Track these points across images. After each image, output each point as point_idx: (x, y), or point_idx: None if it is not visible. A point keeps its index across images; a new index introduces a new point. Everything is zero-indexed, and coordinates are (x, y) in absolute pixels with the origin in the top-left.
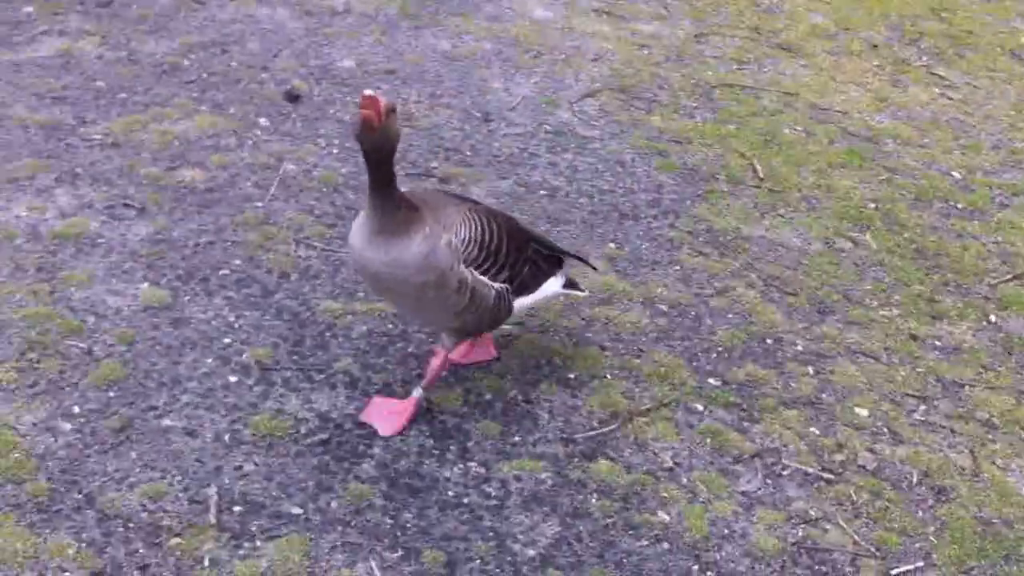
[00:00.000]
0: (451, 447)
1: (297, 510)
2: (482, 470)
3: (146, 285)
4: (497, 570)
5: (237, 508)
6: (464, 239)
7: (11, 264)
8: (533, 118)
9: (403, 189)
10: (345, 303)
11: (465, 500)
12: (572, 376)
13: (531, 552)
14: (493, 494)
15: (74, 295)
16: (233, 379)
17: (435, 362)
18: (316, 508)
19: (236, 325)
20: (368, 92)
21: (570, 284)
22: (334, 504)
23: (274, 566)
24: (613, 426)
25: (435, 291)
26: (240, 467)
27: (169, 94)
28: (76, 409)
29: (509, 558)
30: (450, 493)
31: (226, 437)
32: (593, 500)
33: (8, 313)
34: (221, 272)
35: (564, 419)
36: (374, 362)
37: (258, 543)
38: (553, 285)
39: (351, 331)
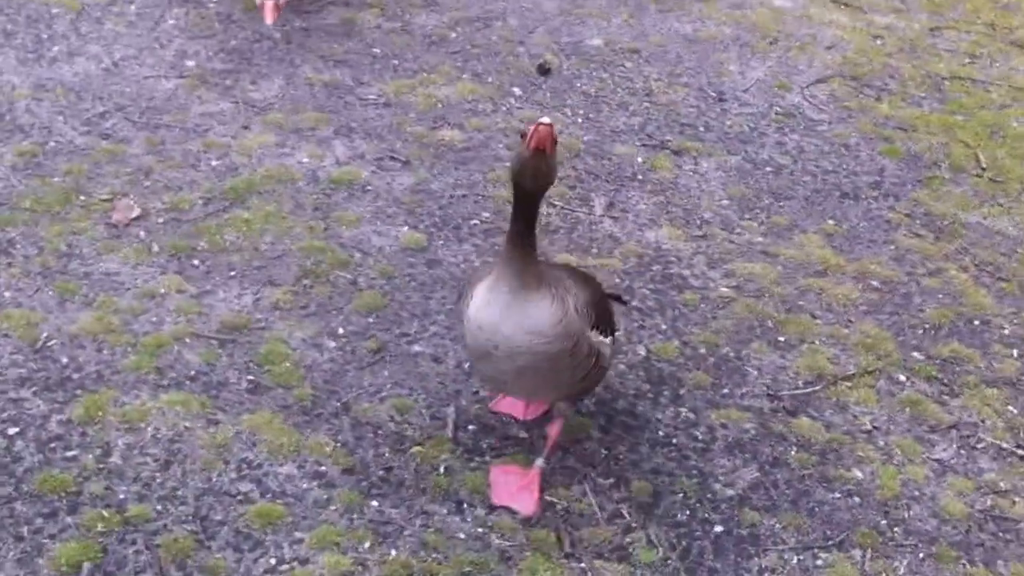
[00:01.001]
0: (664, 392)
1: (523, 434)
2: (691, 415)
3: (406, 229)
4: (697, 504)
5: (471, 427)
6: (585, 301)
7: (292, 202)
8: (765, 100)
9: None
10: (580, 258)
11: (674, 440)
12: (782, 339)
13: (730, 492)
14: (700, 437)
15: (344, 233)
16: None
17: (553, 431)
18: (540, 435)
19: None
20: (546, 120)
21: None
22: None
23: None
24: (817, 387)
25: (569, 359)
26: (476, 392)
27: (436, 62)
28: (340, 330)
29: (709, 495)
30: (660, 433)
31: (466, 365)
32: (792, 452)
33: (288, 244)
34: (471, 222)
35: (772, 377)
36: None
37: (487, 458)
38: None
39: None
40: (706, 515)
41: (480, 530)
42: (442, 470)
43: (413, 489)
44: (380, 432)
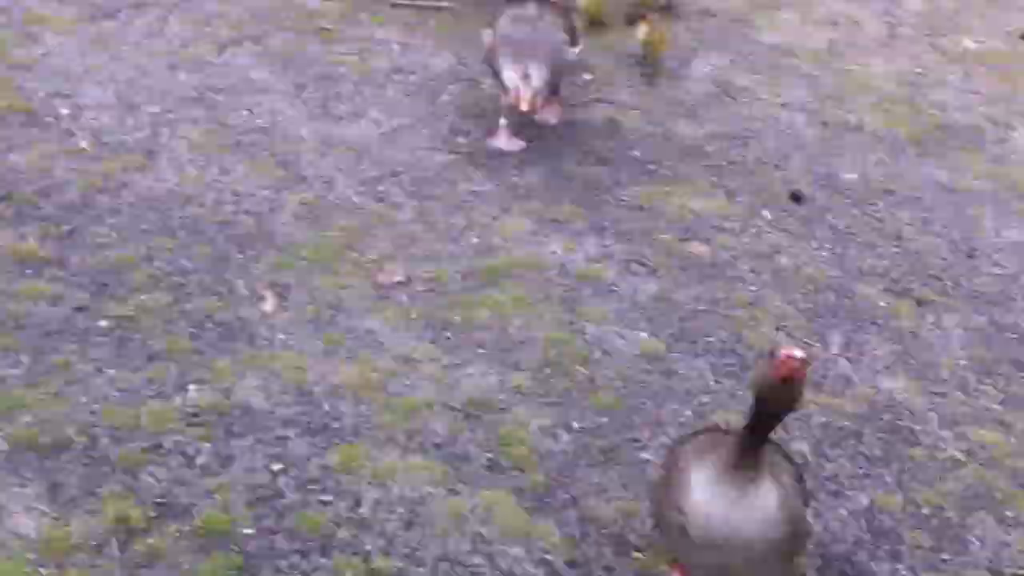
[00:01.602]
0: (884, 546)
1: None
2: (908, 574)
3: (646, 335)
4: None
5: None
6: (794, 476)
7: (541, 291)
8: (1019, 262)
9: None
10: (811, 394)
11: None
12: (1010, 514)
13: None
14: None
15: (588, 329)
16: None
17: None
18: None
19: (713, 388)
20: (798, 355)
21: None
22: None
23: None
24: None
25: (790, 545)
26: None
27: (690, 172)
28: (575, 424)
29: None
30: None
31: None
32: None
33: (535, 331)
34: (708, 338)
35: (993, 552)
36: (828, 451)
37: None
38: None
39: (810, 419)
40: None
41: None
42: None
43: None
44: (604, 531)
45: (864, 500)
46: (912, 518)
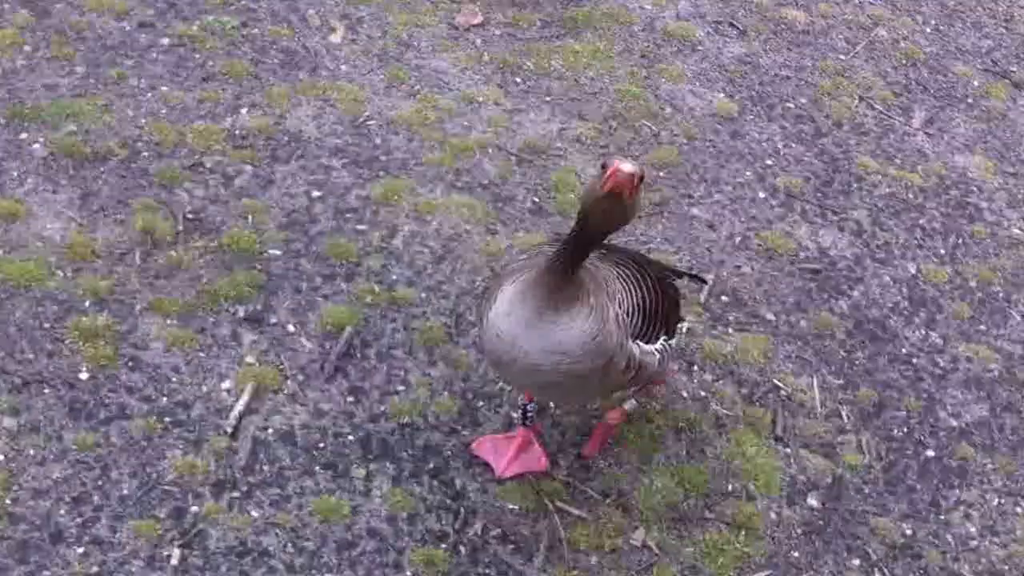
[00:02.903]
0: (921, 314)
1: (771, 316)
2: (940, 342)
3: (722, 95)
4: (917, 425)
5: (724, 297)
6: (628, 309)
7: (623, 44)
8: None
9: None
10: (880, 164)
11: (914, 361)
12: None
13: (953, 423)
14: (941, 364)
15: (662, 85)
16: (762, 195)
17: (601, 431)
18: (787, 321)
19: (781, 152)
20: (627, 168)
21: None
22: (803, 323)
23: (736, 353)
24: None
25: (600, 376)
26: (739, 267)
27: None
28: None
29: (932, 420)
30: (903, 350)
31: (737, 239)
32: None
33: (607, 83)
34: (786, 104)
35: None
36: (885, 221)
37: (729, 331)
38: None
39: (875, 189)
40: (922, 437)
41: (703, 393)
42: (684, 330)
43: None
44: None
45: (911, 269)
46: (957, 290)
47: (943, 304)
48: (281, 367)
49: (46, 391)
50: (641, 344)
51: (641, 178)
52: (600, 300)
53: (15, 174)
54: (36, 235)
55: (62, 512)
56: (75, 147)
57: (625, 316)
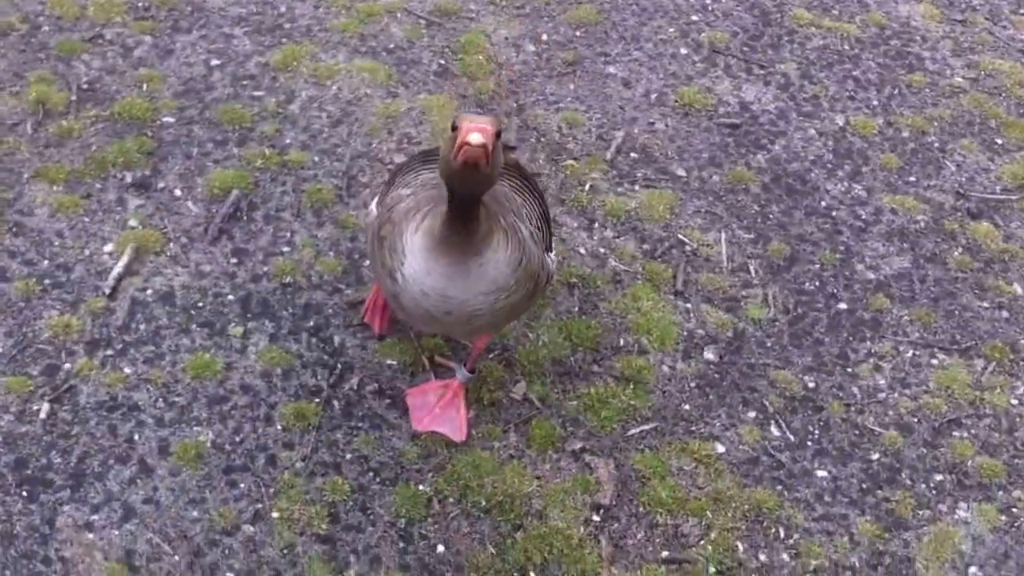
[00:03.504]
0: (845, 166)
1: (682, 172)
2: (864, 194)
3: None
4: (831, 279)
5: (633, 155)
6: (536, 222)
7: None
8: None
9: None
10: (815, 16)
11: (833, 213)
12: (999, 142)
13: (871, 275)
14: (863, 217)
15: None
16: (683, 51)
17: (481, 340)
18: (699, 176)
19: (710, 7)
20: (476, 140)
21: None
22: (715, 178)
23: (641, 209)
24: (1015, 197)
25: (530, 297)
26: (652, 123)
27: None
28: (544, 36)
29: (847, 273)
30: (823, 203)
31: (653, 96)
32: (955, 253)
33: None
34: None
35: (969, 176)
36: (815, 74)
37: (636, 188)
38: None
39: (808, 42)
40: (835, 291)
41: (602, 250)
42: (587, 187)
43: (553, 199)
44: (544, 140)
45: (839, 121)
46: (887, 141)
47: (870, 156)
48: (165, 230)
49: None
50: (551, 255)
51: (498, 135)
52: (509, 221)
53: None
54: None
55: None
56: None
57: (536, 230)
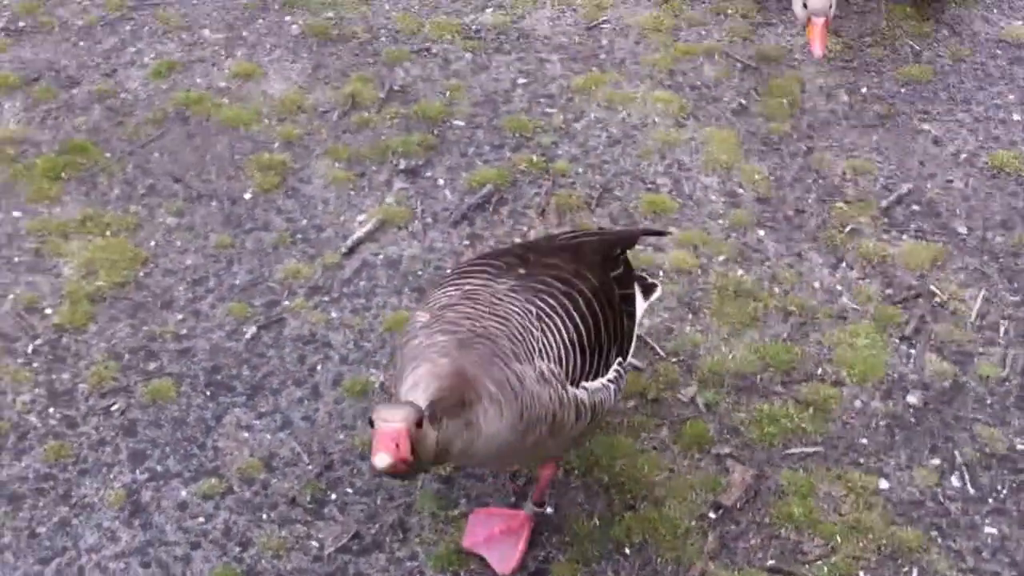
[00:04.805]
0: None
1: (963, 229)
2: None
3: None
4: None
5: (914, 207)
6: (558, 354)
7: None
8: None
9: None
10: None
11: None
12: None
13: None
14: None
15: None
16: (1016, 118)
17: (547, 470)
18: (981, 236)
19: None
20: (382, 462)
21: (646, 289)
22: (999, 239)
23: (896, 257)
24: None
25: (549, 438)
26: (950, 181)
27: None
28: (863, 89)
29: None
30: None
31: (963, 156)
32: None
33: None
34: None
35: None
36: None
37: (904, 238)
38: (640, 304)
39: None
40: None
41: (838, 287)
42: (847, 229)
43: (806, 236)
44: (821, 182)
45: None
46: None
47: None
48: (415, 210)
49: (212, 204)
50: (588, 384)
51: (419, 423)
52: (499, 379)
53: (268, 46)
54: (261, 92)
55: (180, 288)
56: (325, 29)
57: (555, 366)
